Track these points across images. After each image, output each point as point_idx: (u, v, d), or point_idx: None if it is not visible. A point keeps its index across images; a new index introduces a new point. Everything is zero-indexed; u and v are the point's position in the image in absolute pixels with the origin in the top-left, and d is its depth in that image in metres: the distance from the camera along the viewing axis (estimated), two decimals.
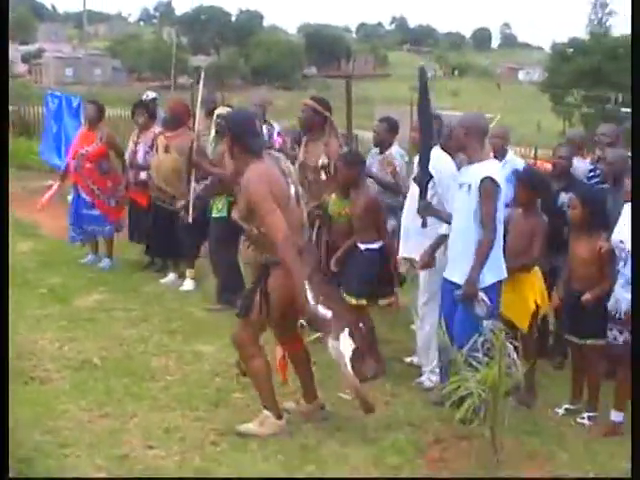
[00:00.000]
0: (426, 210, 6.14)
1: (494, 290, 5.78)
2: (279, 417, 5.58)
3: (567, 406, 6.35)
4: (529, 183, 6.27)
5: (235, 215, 5.62)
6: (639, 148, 4.81)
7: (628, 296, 5.64)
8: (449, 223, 6.07)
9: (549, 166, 8.01)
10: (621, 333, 5.82)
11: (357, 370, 6.60)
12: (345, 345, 5.41)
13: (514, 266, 6.09)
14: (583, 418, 6.21)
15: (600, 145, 7.49)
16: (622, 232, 5.74)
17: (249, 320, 5.45)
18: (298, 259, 5.17)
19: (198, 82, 9.05)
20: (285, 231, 5.08)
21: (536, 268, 6.33)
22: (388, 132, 7.96)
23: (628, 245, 5.61)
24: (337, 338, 5.36)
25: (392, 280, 6.90)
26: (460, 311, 5.78)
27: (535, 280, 6.34)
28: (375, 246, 6.84)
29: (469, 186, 5.77)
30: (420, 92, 6.19)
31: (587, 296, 5.90)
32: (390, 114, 9.15)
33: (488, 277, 5.73)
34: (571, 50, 45.61)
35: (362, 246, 6.85)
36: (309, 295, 5.17)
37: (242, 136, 5.37)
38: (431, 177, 6.11)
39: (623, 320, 5.78)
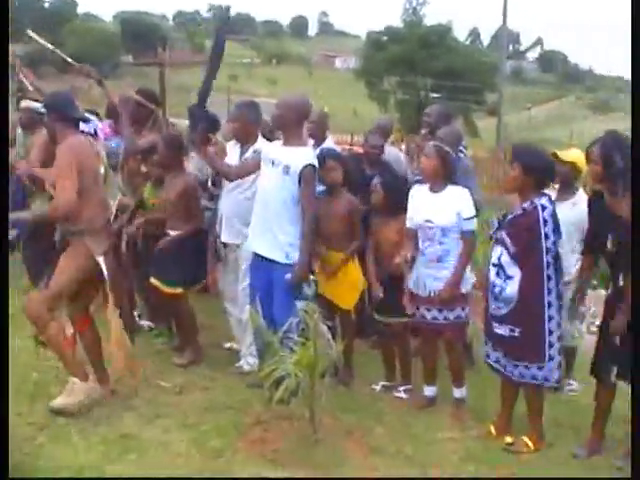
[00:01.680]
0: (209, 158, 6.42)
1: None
2: (85, 379, 5.60)
3: (383, 383, 6.57)
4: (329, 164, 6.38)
5: (47, 184, 5.73)
6: (639, 148, 4.92)
7: (439, 274, 5.89)
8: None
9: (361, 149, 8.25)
10: (429, 311, 6.01)
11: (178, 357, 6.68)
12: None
13: (343, 250, 6.34)
14: (399, 392, 6.45)
15: (425, 125, 7.71)
16: (425, 213, 5.95)
17: (44, 292, 5.46)
18: (66, 222, 5.44)
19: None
20: (69, 198, 5.28)
21: None
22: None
23: (437, 222, 5.83)
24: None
25: (205, 265, 6.86)
26: (280, 294, 5.84)
27: (356, 262, 6.55)
28: (186, 232, 6.79)
29: (286, 167, 5.82)
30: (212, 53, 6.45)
31: (397, 260, 6.11)
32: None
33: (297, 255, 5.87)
34: (386, 38, 46.56)
35: (173, 232, 6.80)
36: (103, 269, 5.46)
37: (62, 110, 5.55)
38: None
39: (428, 299, 5.98)
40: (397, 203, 6.24)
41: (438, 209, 5.87)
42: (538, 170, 5.44)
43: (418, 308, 6.07)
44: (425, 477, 5.11)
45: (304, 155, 5.91)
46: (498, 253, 5.51)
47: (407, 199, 6.17)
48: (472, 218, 5.88)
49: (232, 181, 6.40)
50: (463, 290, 5.96)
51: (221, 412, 5.80)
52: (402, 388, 6.49)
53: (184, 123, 7.81)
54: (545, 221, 5.34)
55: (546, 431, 5.74)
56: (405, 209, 6.16)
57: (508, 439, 5.63)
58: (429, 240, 5.92)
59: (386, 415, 6.05)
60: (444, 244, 5.88)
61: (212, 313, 7.66)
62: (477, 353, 6.82)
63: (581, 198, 6.35)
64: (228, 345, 7.15)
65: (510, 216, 5.50)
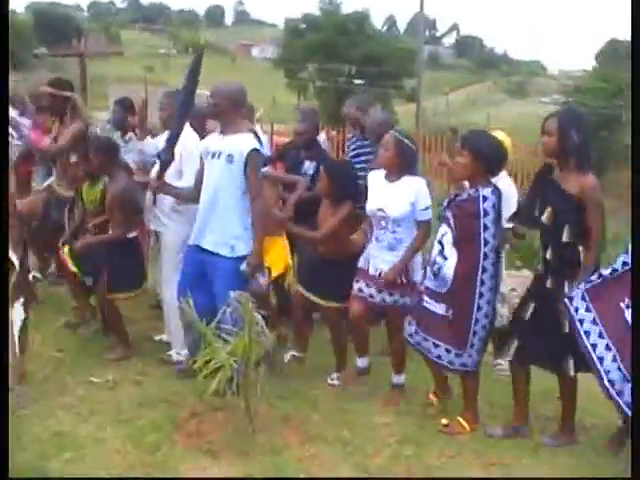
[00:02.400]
0: (160, 188, 6.16)
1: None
2: None
3: (293, 353, 6.74)
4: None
5: None
6: (639, 147, 4.90)
7: (389, 258, 5.89)
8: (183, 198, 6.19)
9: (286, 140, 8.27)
10: (367, 287, 5.99)
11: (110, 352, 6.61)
12: (16, 314, 5.52)
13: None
14: (332, 379, 6.47)
15: (349, 118, 7.74)
16: (379, 202, 5.94)
17: None
18: None
19: None
20: None
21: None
22: (124, 113, 7.91)
23: (390, 213, 5.82)
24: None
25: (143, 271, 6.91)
26: (223, 287, 5.70)
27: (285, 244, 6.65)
28: (109, 237, 6.72)
29: (230, 156, 5.72)
30: (189, 76, 6.10)
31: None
32: (124, 93, 9.05)
33: (243, 247, 5.83)
34: (304, 26, 46.58)
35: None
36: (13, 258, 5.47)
37: None
38: (173, 157, 6.11)
39: (373, 276, 5.97)
40: (342, 189, 6.26)
41: (392, 199, 5.85)
42: (489, 157, 5.48)
43: (358, 281, 6.06)
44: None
45: (246, 141, 5.78)
46: (443, 231, 5.55)
47: (354, 185, 6.27)
48: (427, 209, 5.85)
49: None
50: (412, 279, 5.95)
51: (155, 406, 5.75)
52: (335, 375, 6.51)
53: (101, 115, 7.73)
54: (485, 212, 5.38)
55: (479, 411, 5.83)
56: (351, 195, 6.22)
57: (444, 421, 5.70)
58: (382, 228, 5.93)
59: (321, 402, 6.06)
60: (396, 233, 5.88)
61: (140, 306, 7.59)
62: None
63: (503, 179, 6.43)
64: (158, 337, 7.09)
65: (459, 198, 5.54)
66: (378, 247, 5.96)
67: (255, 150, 5.75)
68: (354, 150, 7.51)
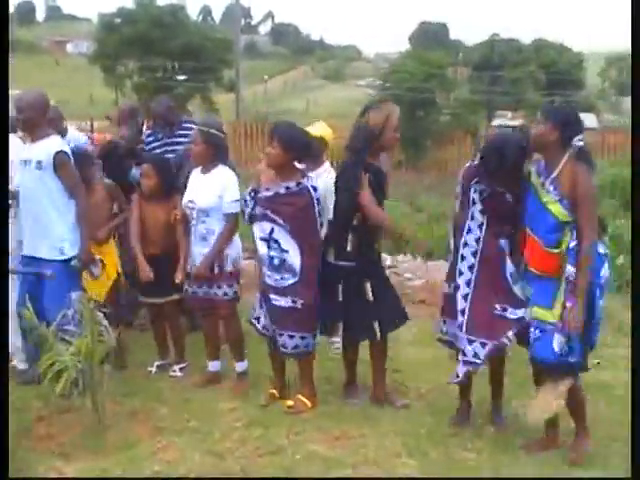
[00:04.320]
0: None
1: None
2: None
3: (158, 363, 6.69)
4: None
5: None
6: (639, 146, 4.99)
7: (199, 250, 6.06)
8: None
9: (108, 137, 8.23)
10: (200, 287, 6.15)
11: None
12: None
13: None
14: (174, 371, 6.59)
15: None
16: (191, 194, 6.10)
17: None
18: None
19: None
20: None
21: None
22: None
23: (198, 204, 5.98)
24: None
25: None
26: (54, 288, 5.77)
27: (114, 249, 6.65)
28: None
29: (38, 162, 5.83)
30: None
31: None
32: None
33: (71, 248, 5.92)
34: (119, 20, 45.64)
35: None
36: None
37: None
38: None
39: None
40: (168, 185, 6.41)
41: (201, 190, 6.02)
42: (298, 148, 5.66)
43: (190, 285, 6.21)
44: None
45: (51, 145, 5.91)
46: (267, 228, 5.67)
47: (177, 181, 6.43)
48: (235, 201, 5.97)
49: None
50: (228, 268, 6.09)
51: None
52: (177, 367, 6.62)
53: None
54: (318, 201, 5.66)
55: (318, 389, 6.09)
56: (179, 188, 6.37)
57: (289, 402, 5.90)
58: (194, 219, 6.08)
59: (166, 394, 6.17)
60: (206, 223, 6.03)
61: None
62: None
63: (326, 169, 6.70)
64: None
65: (269, 193, 5.68)
66: (194, 240, 6.13)
67: (61, 152, 5.89)
68: (150, 144, 7.66)
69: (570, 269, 4.78)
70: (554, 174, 4.82)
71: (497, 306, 5.21)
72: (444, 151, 25.02)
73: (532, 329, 4.99)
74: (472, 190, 5.23)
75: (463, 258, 5.26)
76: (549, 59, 47.14)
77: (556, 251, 4.82)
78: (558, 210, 4.79)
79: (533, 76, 44.23)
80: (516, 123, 28.67)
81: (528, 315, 5.06)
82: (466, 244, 5.26)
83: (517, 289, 5.20)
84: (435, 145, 26.41)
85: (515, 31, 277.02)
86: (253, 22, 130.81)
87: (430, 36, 76.38)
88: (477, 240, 5.23)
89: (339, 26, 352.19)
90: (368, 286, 5.69)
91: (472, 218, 5.24)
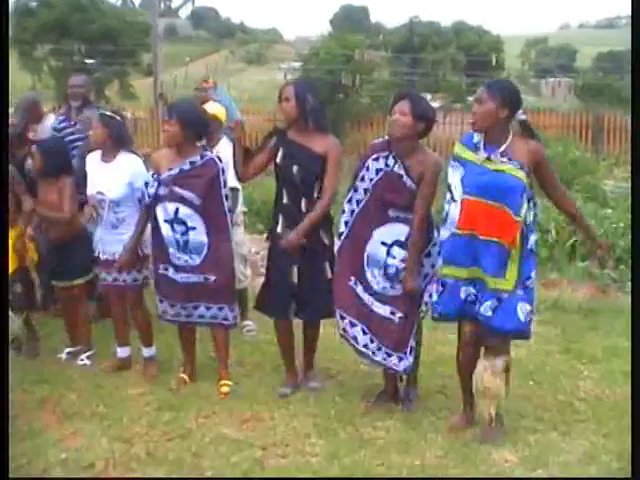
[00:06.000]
0: None
1: None
2: None
3: (68, 350, 6.64)
4: None
5: None
6: (639, 145, 4.94)
7: (113, 237, 6.04)
8: None
9: None
10: (109, 274, 6.13)
11: None
12: None
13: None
14: (82, 360, 6.53)
15: (77, 97, 7.70)
16: (98, 185, 6.03)
17: None
18: None
19: None
20: None
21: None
22: None
23: (109, 196, 5.94)
24: None
25: None
26: None
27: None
28: None
29: None
30: None
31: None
32: None
33: None
34: (35, 4, 44.81)
35: None
36: None
37: None
38: None
39: (107, 262, 6.13)
40: (56, 164, 6.29)
41: (109, 181, 5.96)
42: (195, 125, 5.67)
43: (99, 270, 6.20)
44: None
45: None
46: (171, 209, 5.67)
47: (67, 159, 6.41)
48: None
49: None
50: (140, 253, 6.07)
51: None
52: (84, 355, 6.55)
53: None
54: (223, 171, 5.69)
55: (232, 371, 6.14)
56: (68, 169, 6.32)
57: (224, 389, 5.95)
58: (103, 209, 6.02)
59: (76, 381, 6.14)
60: (118, 213, 6.01)
61: None
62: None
63: (223, 145, 6.72)
64: None
65: (173, 172, 5.66)
66: (104, 228, 6.09)
67: None
68: (64, 130, 7.60)
69: (533, 238, 4.91)
70: (502, 148, 4.84)
71: (352, 278, 5.46)
72: (363, 134, 25.05)
73: (485, 300, 4.93)
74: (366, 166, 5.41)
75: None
76: (469, 42, 47.48)
77: (519, 219, 4.82)
78: (524, 177, 4.78)
79: (453, 58, 44.53)
80: (436, 104, 28.85)
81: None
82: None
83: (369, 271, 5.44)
84: (354, 127, 26.42)
85: (435, 14, 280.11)
86: (173, 5, 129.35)
87: (351, 19, 76.36)
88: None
89: (260, 9, 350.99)
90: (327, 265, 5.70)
91: (355, 190, 5.48)
